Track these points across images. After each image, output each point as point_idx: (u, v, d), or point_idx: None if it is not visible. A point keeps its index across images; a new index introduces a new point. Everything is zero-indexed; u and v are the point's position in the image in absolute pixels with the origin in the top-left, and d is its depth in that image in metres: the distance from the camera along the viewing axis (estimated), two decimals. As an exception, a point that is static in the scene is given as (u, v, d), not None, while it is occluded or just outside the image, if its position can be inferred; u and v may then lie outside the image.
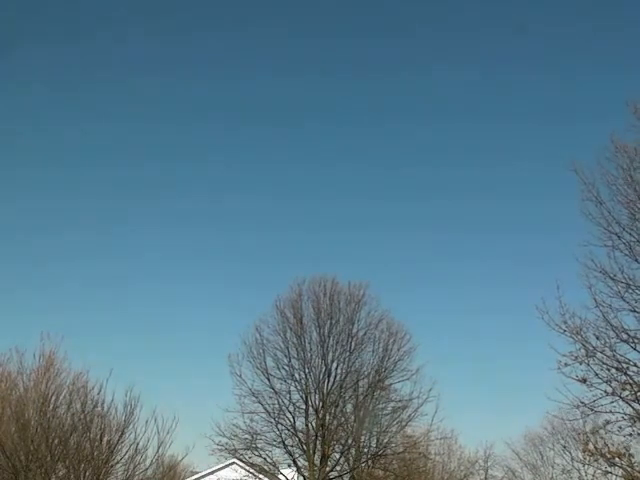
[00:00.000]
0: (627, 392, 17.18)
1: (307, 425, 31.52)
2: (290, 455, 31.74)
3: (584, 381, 17.44)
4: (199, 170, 69.74)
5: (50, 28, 69.41)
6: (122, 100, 70.10)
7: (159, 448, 25.15)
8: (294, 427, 31.56)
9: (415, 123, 68.64)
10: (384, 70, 68.71)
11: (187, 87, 70.25)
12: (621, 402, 17.38)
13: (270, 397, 31.70)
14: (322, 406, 31.54)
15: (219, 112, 69.36)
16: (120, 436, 25.05)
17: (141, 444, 25.22)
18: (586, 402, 17.46)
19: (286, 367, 31.98)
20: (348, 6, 68.78)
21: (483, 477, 47.94)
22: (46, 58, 68.82)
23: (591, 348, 17.38)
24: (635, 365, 17.23)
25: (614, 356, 17.29)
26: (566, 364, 17.48)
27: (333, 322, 32.22)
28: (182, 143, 69.75)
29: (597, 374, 17.35)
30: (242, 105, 68.91)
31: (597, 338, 17.43)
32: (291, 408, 31.71)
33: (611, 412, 17.51)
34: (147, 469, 25.77)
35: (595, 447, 18.55)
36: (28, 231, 67.00)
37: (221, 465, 39.06)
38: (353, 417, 32.53)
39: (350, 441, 32.32)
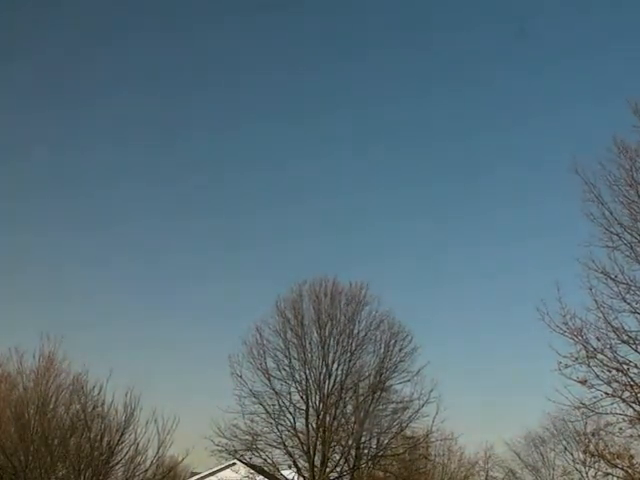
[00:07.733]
0: (628, 393, 17.11)
1: (307, 426, 31.37)
2: (290, 456, 31.59)
3: (585, 382, 17.37)
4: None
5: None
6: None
7: (159, 449, 25.26)
8: (294, 428, 31.43)
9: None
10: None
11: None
12: (622, 403, 17.30)
13: (270, 398, 31.60)
14: (322, 407, 31.42)
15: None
16: (120, 437, 25.08)
17: (141, 445, 25.32)
18: (587, 403, 17.38)
19: (286, 368, 31.87)
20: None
21: (483, 478, 47.90)
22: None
23: (591, 349, 17.31)
24: (636, 366, 17.13)
25: (615, 357, 17.22)
26: (567, 365, 17.39)
27: (334, 323, 32.09)
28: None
29: (598, 375, 17.25)
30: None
31: (598, 339, 17.36)
32: (291, 409, 31.61)
33: (612, 413, 17.46)
34: (147, 470, 25.78)
35: (596, 448, 18.51)
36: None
37: (222, 465, 38.98)
38: (353, 418, 32.41)
39: (350, 442, 32.17)
